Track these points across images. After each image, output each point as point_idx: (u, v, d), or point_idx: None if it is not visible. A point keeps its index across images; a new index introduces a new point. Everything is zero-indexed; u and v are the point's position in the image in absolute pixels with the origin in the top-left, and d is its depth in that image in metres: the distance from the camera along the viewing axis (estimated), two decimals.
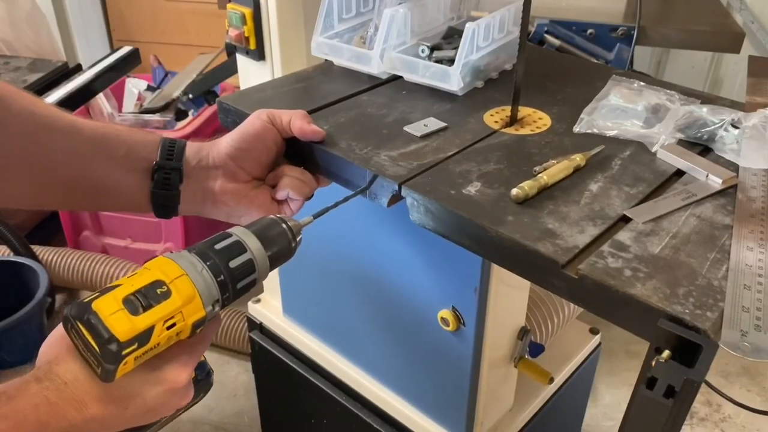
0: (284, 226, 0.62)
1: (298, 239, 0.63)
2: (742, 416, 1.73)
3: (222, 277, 0.56)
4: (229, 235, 0.59)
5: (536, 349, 1.02)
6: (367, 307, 1.02)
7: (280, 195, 0.73)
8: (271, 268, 0.61)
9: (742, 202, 0.67)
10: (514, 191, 0.66)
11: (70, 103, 1.78)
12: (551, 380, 0.99)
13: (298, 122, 0.74)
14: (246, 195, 0.72)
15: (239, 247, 0.58)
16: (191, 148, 0.71)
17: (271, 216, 0.63)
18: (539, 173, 0.69)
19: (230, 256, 0.57)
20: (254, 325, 1.26)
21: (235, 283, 0.57)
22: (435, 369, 0.96)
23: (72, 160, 0.66)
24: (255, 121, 0.73)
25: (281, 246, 0.61)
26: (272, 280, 1.21)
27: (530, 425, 1.07)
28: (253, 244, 0.59)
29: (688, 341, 0.51)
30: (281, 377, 1.23)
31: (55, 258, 1.88)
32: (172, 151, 0.69)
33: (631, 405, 0.52)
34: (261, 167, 0.73)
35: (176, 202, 0.70)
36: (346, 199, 0.71)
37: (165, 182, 0.68)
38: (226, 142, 0.71)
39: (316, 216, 0.66)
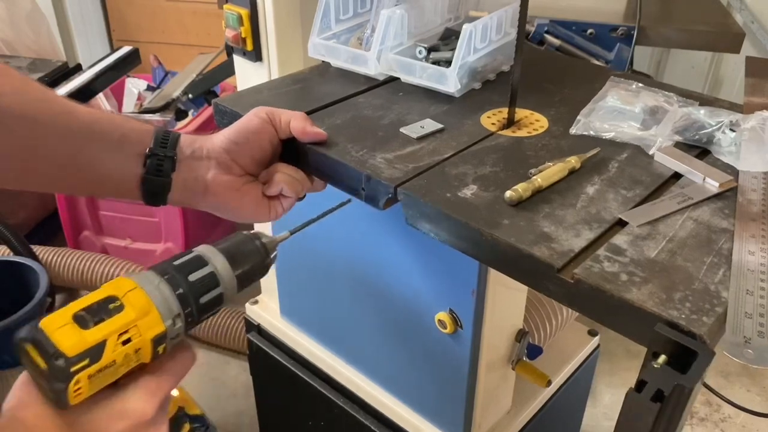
0: (257, 242, 0.61)
1: (272, 255, 0.62)
2: (742, 416, 1.72)
3: (181, 290, 0.54)
4: (190, 252, 0.57)
5: (534, 351, 1.02)
6: (364, 309, 1.02)
7: (273, 190, 0.72)
8: (243, 283, 0.59)
9: (743, 206, 0.67)
10: (508, 193, 0.66)
11: None
12: (549, 383, 0.99)
13: (299, 124, 0.73)
14: (239, 189, 0.71)
15: (199, 261, 0.56)
16: (186, 139, 0.70)
17: (245, 232, 0.62)
18: (534, 176, 0.68)
19: (190, 269, 0.55)
20: (252, 327, 1.26)
21: (198, 297, 0.55)
22: (432, 371, 0.96)
23: (64, 143, 0.65)
24: (253, 118, 0.72)
25: (253, 262, 0.60)
26: (270, 282, 1.21)
27: (528, 427, 1.07)
28: (216, 258, 0.57)
29: (684, 347, 0.50)
30: (279, 379, 1.23)
31: (55, 258, 1.88)
32: (166, 140, 0.68)
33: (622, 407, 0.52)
34: (254, 164, 0.73)
35: (167, 189, 0.69)
36: (325, 214, 0.71)
37: (157, 169, 0.68)
38: (222, 136, 0.71)
39: (293, 231, 0.66)
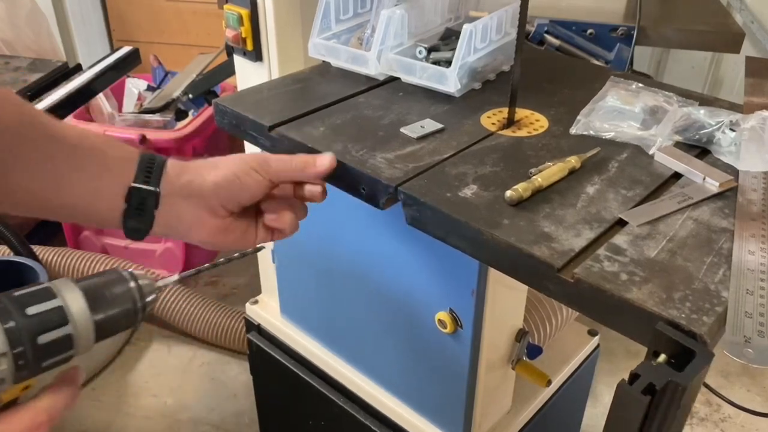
0: (132, 284, 0.53)
1: (148, 299, 0.54)
2: (742, 416, 1.72)
3: (13, 323, 0.45)
4: (40, 283, 0.49)
5: (534, 351, 1.02)
6: (364, 308, 1.02)
7: (277, 225, 0.70)
8: (104, 330, 0.51)
9: (743, 206, 0.67)
10: (508, 193, 0.66)
11: (70, 103, 1.78)
12: (549, 383, 0.99)
13: (320, 170, 0.70)
14: (225, 229, 0.68)
15: (46, 293, 0.48)
16: (173, 168, 0.65)
17: (121, 270, 0.54)
18: (534, 175, 0.69)
19: (31, 301, 0.47)
20: (252, 327, 1.26)
21: (35, 336, 0.46)
22: (432, 371, 0.96)
23: (44, 173, 0.60)
24: (250, 172, 0.68)
25: (120, 307, 0.52)
26: (270, 282, 1.21)
27: (528, 427, 1.07)
28: (70, 293, 0.49)
29: (684, 346, 0.51)
30: (279, 379, 1.23)
31: (55, 258, 1.88)
32: (151, 169, 0.63)
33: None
34: (242, 209, 0.70)
35: (149, 226, 0.65)
36: (231, 260, 0.70)
37: (139, 207, 0.63)
38: (216, 179, 0.67)
39: (183, 276, 0.61)
